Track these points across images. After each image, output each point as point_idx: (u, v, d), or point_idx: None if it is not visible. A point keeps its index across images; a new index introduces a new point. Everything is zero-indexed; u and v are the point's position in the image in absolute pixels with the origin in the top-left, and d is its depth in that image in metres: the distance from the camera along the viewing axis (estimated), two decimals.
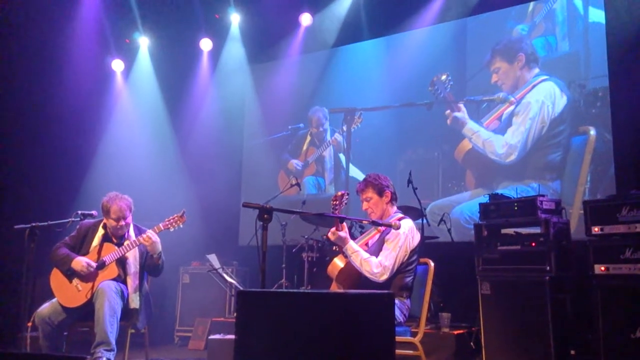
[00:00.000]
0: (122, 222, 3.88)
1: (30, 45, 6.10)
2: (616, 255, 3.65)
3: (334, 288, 3.47)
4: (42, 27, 6.12)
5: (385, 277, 3.22)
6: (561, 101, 5.29)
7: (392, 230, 3.27)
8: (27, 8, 5.96)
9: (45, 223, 3.71)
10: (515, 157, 5.45)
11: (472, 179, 5.76)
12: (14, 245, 4.05)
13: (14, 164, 5.99)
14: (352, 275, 3.32)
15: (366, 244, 3.55)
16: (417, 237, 3.40)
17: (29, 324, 3.71)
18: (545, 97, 5.36)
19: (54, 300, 3.75)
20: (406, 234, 3.31)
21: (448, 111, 5.90)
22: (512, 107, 5.54)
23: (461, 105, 5.83)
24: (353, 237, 3.53)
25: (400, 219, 3.37)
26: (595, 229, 3.78)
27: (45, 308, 3.71)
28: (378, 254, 3.32)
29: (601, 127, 5.06)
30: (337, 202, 3.31)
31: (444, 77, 5.96)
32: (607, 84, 5.06)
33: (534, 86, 5.44)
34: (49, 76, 6.25)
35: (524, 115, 5.44)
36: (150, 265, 3.93)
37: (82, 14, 6.54)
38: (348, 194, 3.38)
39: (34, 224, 3.62)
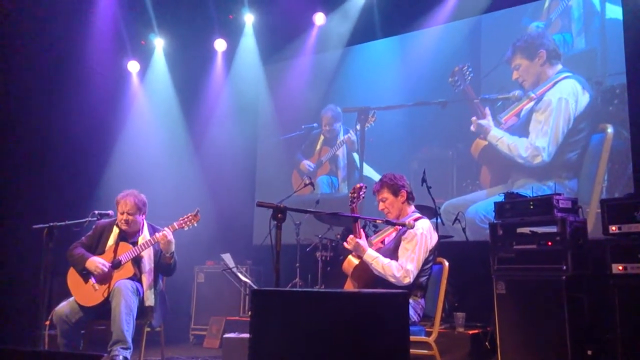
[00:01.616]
0: (125, 217, 3.92)
1: (47, 46, 6.18)
2: (634, 255, 3.60)
3: (349, 285, 3.48)
4: (58, 28, 6.20)
5: (408, 279, 3.21)
6: (583, 99, 5.20)
7: (409, 230, 3.27)
8: (44, 9, 6.03)
9: (63, 223, 3.76)
10: (543, 158, 5.33)
11: (487, 176, 5.71)
12: (32, 244, 4.11)
13: (32, 165, 6.07)
14: (367, 271, 3.33)
15: (382, 242, 3.55)
16: (435, 237, 3.39)
17: (47, 323, 3.76)
18: (568, 95, 5.26)
19: (72, 299, 3.80)
20: (424, 234, 3.30)
21: (474, 118, 5.82)
22: (531, 104, 5.47)
23: (487, 111, 5.75)
24: (367, 236, 3.53)
25: (417, 219, 3.37)
26: (613, 228, 3.74)
27: (62, 307, 3.75)
28: (395, 251, 3.33)
29: (618, 124, 4.99)
30: (355, 195, 3.36)
31: (465, 67, 5.90)
32: (625, 81, 4.99)
33: (555, 83, 5.36)
34: (66, 77, 6.33)
35: (546, 114, 5.36)
36: (162, 265, 3.96)
37: (99, 15, 6.60)
38: (366, 187, 3.43)
39: (52, 224, 3.66)
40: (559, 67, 5.38)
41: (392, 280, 3.22)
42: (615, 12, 5.13)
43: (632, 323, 3.54)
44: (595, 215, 4.83)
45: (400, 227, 3.34)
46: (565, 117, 5.26)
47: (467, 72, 5.87)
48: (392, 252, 3.34)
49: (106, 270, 3.80)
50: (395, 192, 3.44)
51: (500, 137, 5.64)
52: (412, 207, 3.52)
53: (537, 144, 5.39)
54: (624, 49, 5.01)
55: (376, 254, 3.31)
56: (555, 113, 5.30)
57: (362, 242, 3.34)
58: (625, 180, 4.87)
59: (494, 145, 5.67)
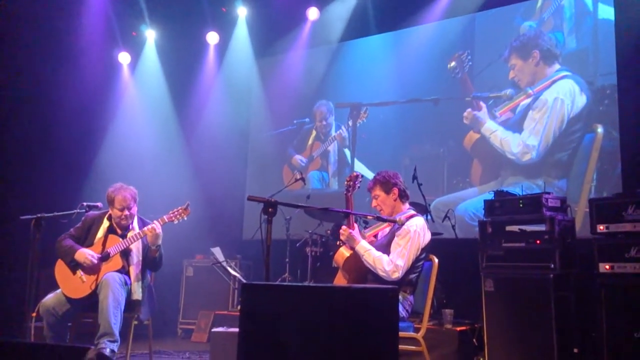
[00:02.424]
0: (127, 212, 3.89)
1: (38, 37, 6.11)
2: (621, 254, 3.63)
3: (340, 277, 3.50)
4: (49, 18, 6.13)
5: (397, 275, 3.24)
6: (580, 100, 5.20)
7: (402, 226, 3.28)
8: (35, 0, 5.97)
9: (51, 214, 3.73)
10: (532, 156, 5.36)
11: (477, 174, 5.73)
12: (19, 235, 4.07)
13: (20, 155, 6.02)
14: (358, 263, 3.35)
15: (375, 235, 3.57)
16: (428, 236, 3.41)
17: (34, 314, 3.73)
18: (565, 95, 5.27)
19: (59, 291, 3.77)
20: (417, 232, 3.32)
21: (469, 110, 5.82)
22: (528, 100, 5.48)
23: (482, 104, 5.76)
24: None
25: (410, 216, 3.38)
26: (601, 227, 3.77)
27: (49, 299, 3.72)
28: (388, 246, 3.35)
29: (608, 124, 5.02)
30: (351, 183, 3.41)
31: (464, 55, 5.89)
32: (615, 81, 5.02)
33: (553, 82, 5.36)
34: (56, 68, 6.26)
35: (541, 113, 5.37)
36: (148, 258, 3.93)
37: (90, 6, 6.54)
38: (362, 176, 3.48)
39: (39, 215, 3.63)
40: (557, 66, 5.38)
41: (381, 274, 3.24)
42: (607, 12, 5.16)
43: (619, 322, 3.58)
44: (583, 214, 4.87)
45: (393, 224, 3.35)
46: (559, 117, 5.28)
47: (466, 60, 5.87)
48: (385, 247, 3.36)
49: (95, 261, 3.77)
50: (387, 190, 3.46)
51: (494, 131, 5.66)
52: (407, 205, 3.54)
53: (528, 142, 5.41)
54: (615, 50, 5.04)
55: (369, 246, 3.34)
56: (550, 113, 5.32)
57: (355, 233, 3.36)
58: (614, 180, 4.91)
59: (486, 138, 5.69)
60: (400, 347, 2.71)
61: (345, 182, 3.45)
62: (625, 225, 3.67)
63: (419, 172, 4.82)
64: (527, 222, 4.11)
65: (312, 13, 6.75)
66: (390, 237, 3.38)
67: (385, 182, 3.47)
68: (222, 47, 7.26)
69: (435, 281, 3.41)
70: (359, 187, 3.46)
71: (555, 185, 5.17)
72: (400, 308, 3.26)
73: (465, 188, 5.77)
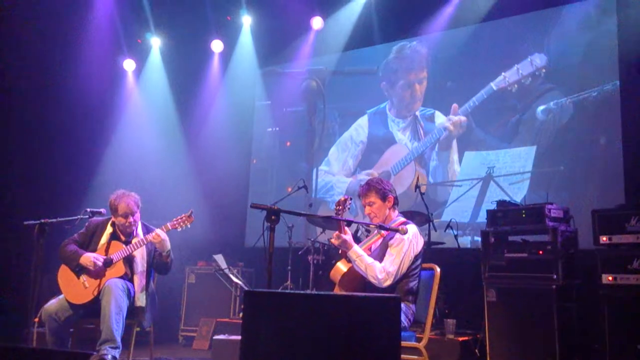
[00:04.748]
0: (130, 219, 3.90)
1: (43, 43, 6.16)
2: (624, 265, 3.63)
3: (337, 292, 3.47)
4: (55, 25, 6.18)
5: (388, 282, 3.22)
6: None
7: (396, 235, 3.26)
8: (41, 6, 6.01)
9: (55, 220, 3.73)
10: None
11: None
12: (23, 241, 4.09)
13: (25, 161, 6.05)
14: (355, 279, 3.32)
15: (369, 249, 3.54)
16: (421, 242, 3.39)
17: (36, 320, 3.73)
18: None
19: (61, 296, 3.77)
20: (410, 239, 3.30)
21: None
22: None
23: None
24: (358, 241, 3.53)
25: (402, 224, 3.36)
26: (604, 239, 3.77)
27: (52, 304, 3.72)
28: (381, 258, 3.31)
29: (611, 135, 5.02)
30: (341, 207, 3.33)
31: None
32: (618, 91, 5.02)
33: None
34: (62, 74, 6.31)
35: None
36: (159, 264, 3.95)
37: (95, 13, 6.60)
38: (351, 199, 3.41)
39: (43, 220, 3.64)
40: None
41: (372, 281, 3.22)
42: (610, 22, 5.17)
43: (621, 333, 3.57)
44: (586, 225, 4.85)
45: (387, 233, 3.33)
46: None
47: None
48: (379, 259, 3.33)
49: (100, 264, 3.77)
50: (383, 197, 3.42)
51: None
52: (397, 212, 3.51)
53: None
54: (618, 60, 5.04)
55: (361, 252, 3.30)
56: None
57: (348, 237, 3.31)
58: (617, 191, 4.90)
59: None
60: (402, 356, 2.71)
61: (335, 208, 3.35)
62: (628, 237, 3.67)
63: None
64: (530, 233, 4.12)
65: (316, 22, 6.79)
66: (384, 247, 3.35)
67: (381, 189, 3.40)
68: (227, 55, 7.30)
69: (437, 291, 3.40)
70: (349, 208, 3.39)
71: (558, 195, 5.16)
72: (403, 317, 3.24)
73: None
